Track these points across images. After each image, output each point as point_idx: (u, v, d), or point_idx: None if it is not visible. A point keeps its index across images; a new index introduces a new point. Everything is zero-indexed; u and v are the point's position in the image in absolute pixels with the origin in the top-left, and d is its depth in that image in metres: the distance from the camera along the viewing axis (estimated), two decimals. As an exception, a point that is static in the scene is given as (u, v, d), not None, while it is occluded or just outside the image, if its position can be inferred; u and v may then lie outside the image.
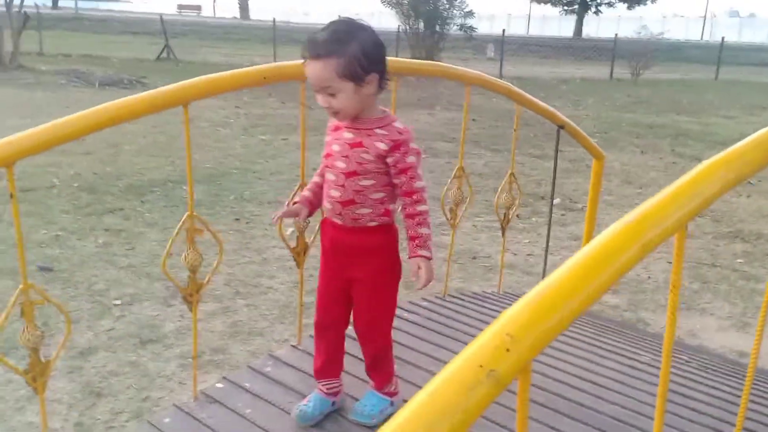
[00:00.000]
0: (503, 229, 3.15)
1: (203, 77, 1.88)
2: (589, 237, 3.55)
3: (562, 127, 3.16)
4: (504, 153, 8.18)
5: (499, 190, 3.13)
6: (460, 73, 2.58)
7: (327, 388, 1.97)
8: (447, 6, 18.33)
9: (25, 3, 15.75)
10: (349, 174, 1.75)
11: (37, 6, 20.17)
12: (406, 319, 2.61)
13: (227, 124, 9.32)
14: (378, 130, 1.73)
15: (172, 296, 3.83)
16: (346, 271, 1.85)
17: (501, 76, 18.58)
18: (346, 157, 1.75)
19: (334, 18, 1.90)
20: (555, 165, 3.52)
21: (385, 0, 18.54)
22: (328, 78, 1.63)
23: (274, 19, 21.68)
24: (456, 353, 0.72)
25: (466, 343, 0.96)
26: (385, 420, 1.83)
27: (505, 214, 3.13)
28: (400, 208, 1.82)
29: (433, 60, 18.30)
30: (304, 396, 2.02)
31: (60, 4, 48.60)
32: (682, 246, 1.03)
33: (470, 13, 18.62)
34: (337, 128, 1.80)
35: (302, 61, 1.68)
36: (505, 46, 20.71)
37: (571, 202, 6.24)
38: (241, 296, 3.90)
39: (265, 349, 3.21)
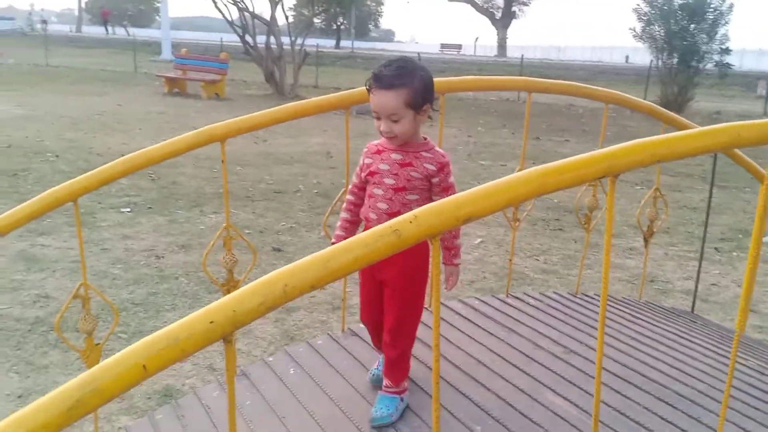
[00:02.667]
0: (646, 241, 3.32)
1: (286, 105, 2.55)
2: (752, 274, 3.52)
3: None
4: (731, 190, 7.76)
5: (642, 203, 3.29)
6: (596, 93, 2.90)
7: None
8: (706, 40, 17.28)
9: (306, 42, 18.44)
10: (398, 189, 1.93)
11: (317, 45, 23.23)
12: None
13: (455, 150, 10.10)
14: (424, 153, 1.95)
15: (365, 280, 4.60)
16: (378, 273, 2.04)
17: (765, 114, 16.97)
18: (396, 174, 1.94)
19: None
20: (710, 192, 3.57)
21: (638, 34, 18.06)
22: (397, 106, 1.87)
23: (522, 56, 22.33)
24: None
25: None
26: (401, 413, 2.05)
27: (648, 226, 3.30)
28: None
29: (686, 97, 17.37)
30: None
31: (342, 44, 54.68)
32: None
33: (726, 50, 17.27)
34: (380, 151, 2.01)
35: (367, 90, 1.93)
36: (775, 82, 18.82)
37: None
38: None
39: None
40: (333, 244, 2.08)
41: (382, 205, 1.97)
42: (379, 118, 1.92)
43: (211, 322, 1.06)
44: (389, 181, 1.95)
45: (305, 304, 4.14)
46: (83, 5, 66.02)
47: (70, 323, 3.46)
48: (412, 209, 1.91)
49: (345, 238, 2.06)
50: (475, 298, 3.09)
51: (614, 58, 49.20)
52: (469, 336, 2.66)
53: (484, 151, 10.39)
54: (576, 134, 13.08)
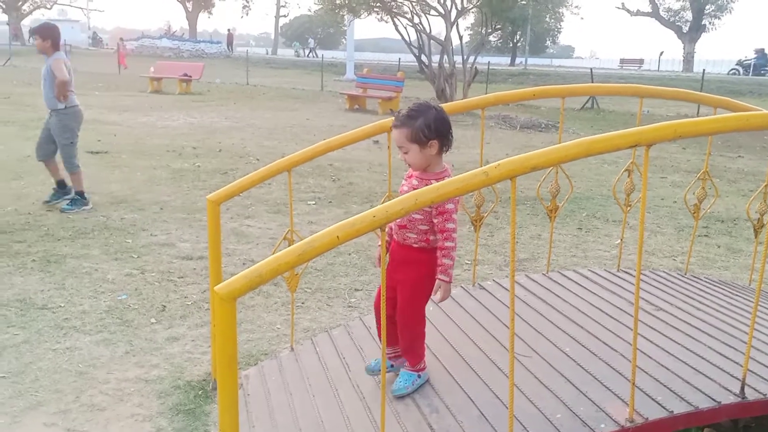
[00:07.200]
0: (756, 232, 3.65)
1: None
2: None
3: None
4: None
5: (752, 198, 3.62)
6: (704, 98, 3.38)
7: (387, 354, 2.58)
8: None
9: (479, 60, 19.28)
10: None
11: (488, 63, 23.97)
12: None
13: (615, 162, 10.32)
14: (433, 181, 2.37)
15: (504, 265, 5.25)
16: (394, 274, 2.48)
17: None
18: None
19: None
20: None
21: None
22: (402, 141, 2.42)
23: (703, 70, 21.40)
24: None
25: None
26: (416, 388, 2.55)
27: (759, 219, 3.63)
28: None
29: None
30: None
31: (517, 61, 54.93)
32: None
33: None
34: (410, 176, 2.53)
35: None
36: None
37: None
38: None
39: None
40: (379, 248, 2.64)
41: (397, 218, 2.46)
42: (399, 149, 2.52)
43: (374, 216, 1.87)
44: None
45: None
46: (279, 30, 72.47)
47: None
48: (415, 225, 2.46)
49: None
50: (589, 269, 3.67)
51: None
52: (581, 298, 3.27)
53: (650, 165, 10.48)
54: (752, 150, 12.61)
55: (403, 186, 2.56)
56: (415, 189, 2.40)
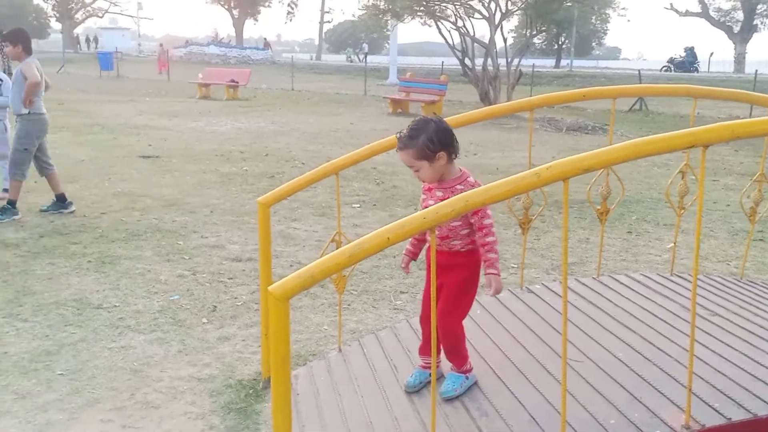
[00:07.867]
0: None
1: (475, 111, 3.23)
2: None
3: None
4: None
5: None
6: (758, 99, 3.29)
7: (425, 363, 2.67)
8: None
9: (523, 62, 19.11)
10: None
11: (533, 65, 23.73)
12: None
13: (666, 165, 10.09)
14: (458, 186, 2.46)
15: (552, 268, 5.20)
16: (438, 278, 2.30)
17: None
18: None
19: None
20: None
21: None
22: (410, 161, 2.46)
23: (756, 71, 20.75)
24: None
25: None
26: (465, 390, 2.55)
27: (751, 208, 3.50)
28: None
29: None
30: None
31: (562, 63, 54.22)
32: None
33: None
34: (429, 188, 2.54)
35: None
36: None
37: None
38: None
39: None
40: (404, 255, 2.72)
41: (436, 231, 2.32)
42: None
43: (424, 218, 1.88)
44: None
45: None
46: (323, 35, 73.19)
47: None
48: (457, 232, 2.49)
49: (412, 252, 2.71)
50: (641, 273, 3.61)
51: None
52: (634, 302, 3.22)
53: (699, 166, 10.23)
54: (809, 153, 12.16)
55: (427, 200, 2.54)
56: (441, 200, 2.41)
